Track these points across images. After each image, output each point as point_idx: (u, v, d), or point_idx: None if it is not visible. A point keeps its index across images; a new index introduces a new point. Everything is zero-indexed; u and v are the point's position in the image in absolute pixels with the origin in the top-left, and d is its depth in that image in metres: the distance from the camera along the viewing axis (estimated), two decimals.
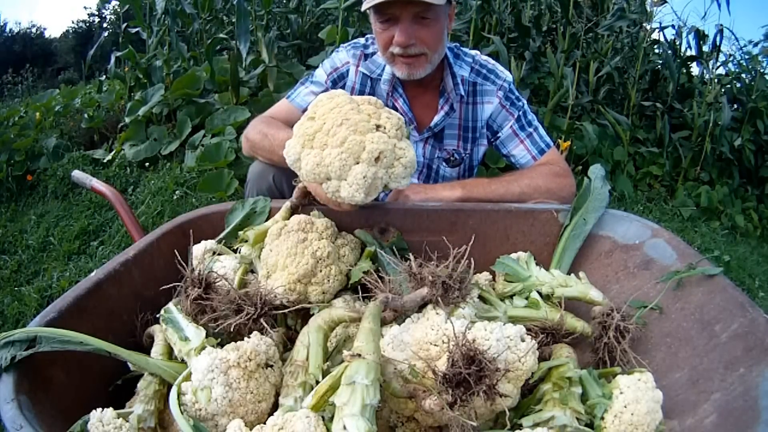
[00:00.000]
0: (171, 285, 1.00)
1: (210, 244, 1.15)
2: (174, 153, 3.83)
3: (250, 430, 0.72)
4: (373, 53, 1.66)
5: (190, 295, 0.91)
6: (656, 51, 4.93)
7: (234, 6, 3.83)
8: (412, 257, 0.90)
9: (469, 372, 0.67)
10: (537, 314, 1.04)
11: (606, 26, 3.98)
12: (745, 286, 3.19)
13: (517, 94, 1.65)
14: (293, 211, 1.17)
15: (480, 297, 1.04)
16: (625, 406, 0.80)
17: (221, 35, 4.41)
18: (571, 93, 3.80)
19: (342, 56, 1.68)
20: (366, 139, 1.02)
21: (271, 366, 0.84)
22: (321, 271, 1.01)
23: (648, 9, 4.66)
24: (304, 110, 1.18)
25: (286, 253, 1.01)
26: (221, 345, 0.84)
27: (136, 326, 1.02)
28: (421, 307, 0.87)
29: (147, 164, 3.88)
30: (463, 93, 1.61)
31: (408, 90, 1.64)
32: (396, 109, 1.64)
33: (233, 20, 4.02)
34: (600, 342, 0.99)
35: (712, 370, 0.86)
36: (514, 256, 1.17)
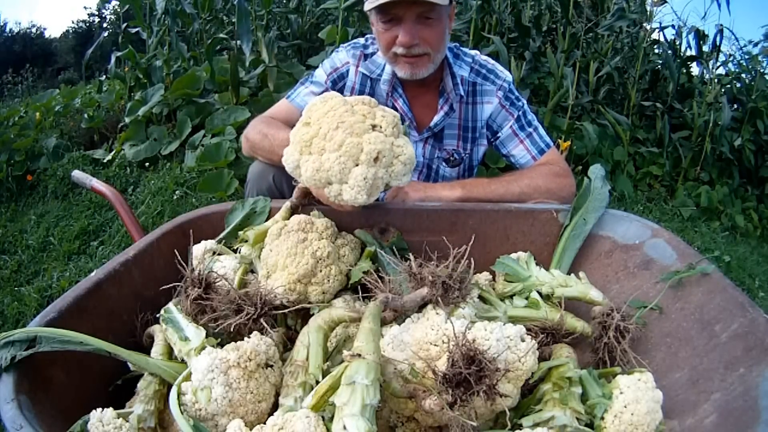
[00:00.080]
0: (171, 285, 1.00)
1: (210, 244, 1.15)
2: (174, 153, 3.83)
3: (250, 430, 0.72)
4: (373, 53, 1.66)
5: (190, 295, 0.91)
6: (656, 51, 4.93)
7: (234, 6, 3.83)
8: (412, 257, 0.90)
9: (469, 372, 0.67)
10: (537, 314, 1.04)
11: (606, 26, 3.98)
12: (745, 286, 3.19)
13: (516, 94, 1.65)
14: (293, 211, 1.17)
15: (480, 297, 1.04)
16: (625, 406, 0.80)
17: (221, 35, 4.41)
18: (571, 93, 3.80)
19: (342, 56, 1.68)
20: (363, 141, 1.02)
21: (271, 366, 0.84)
22: (321, 271, 1.01)
23: (648, 9, 4.66)
24: None
25: (286, 253, 1.01)
26: (221, 345, 0.84)
27: (136, 326, 1.02)
28: (421, 307, 0.87)
29: (147, 164, 3.88)
30: (462, 93, 1.61)
31: (408, 90, 1.64)
32: (396, 109, 1.64)
33: (233, 20, 4.01)
34: (600, 342, 0.99)
35: (712, 370, 0.86)
36: (514, 256, 1.17)
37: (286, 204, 1.17)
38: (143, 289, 1.07)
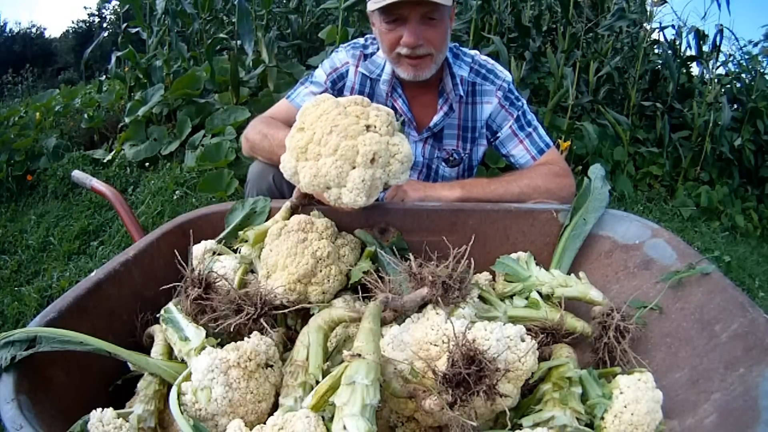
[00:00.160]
0: (171, 285, 1.00)
1: (210, 244, 1.15)
2: (174, 153, 3.83)
3: (250, 430, 0.72)
4: (373, 53, 1.66)
5: (190, 295, 0.91)
6: (656, 51, 4.93)
7: (234, 6, 3.83)
8: (412, 257, 0.90)
9: (469, 372, 0.67)
10: (537, 314, 1.04)
11: (606, 26, 3.98)
12: (745, 286, 3.19)
13: (516, 94, 1.65)
14: (293, 211, 1.17)
15: (480, 297, 1.04)
16: (625, 406, 0.80)
17: (221, 35, 4.41)
18: (571, 93, 3.80)
19: (341, 56, 1.68)
20: (358, 143, 1.02)
21: (271, 366, 0.84)
22: (321, 271, 1.01)
23: (648, 9, 4.66)
24: None
25: (286, 253, 1.01)
26: (221, 345, 0.84)
27: (136, 326, 1.02)
28: (421, 307, 0.87)
29: (147, 164, 3.88)
30: (462, 93, 1.61)
31: (407, 90, 1.64)
32: (395, 110, 1.64)
33: (233, 20, 4.01)
34: (600, 342, 0.99)
35: (712, 370, 0.86)
36: (514, 256, 1.17)
37: (286, 204, 1.17)
38: (143, 289, 1.07)
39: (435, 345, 0.78)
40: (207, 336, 0.88)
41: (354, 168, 1.03)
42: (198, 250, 1.13)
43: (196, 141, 3.71)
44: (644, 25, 4.72)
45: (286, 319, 1.05)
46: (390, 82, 1.61)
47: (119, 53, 4.38)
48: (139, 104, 4.06)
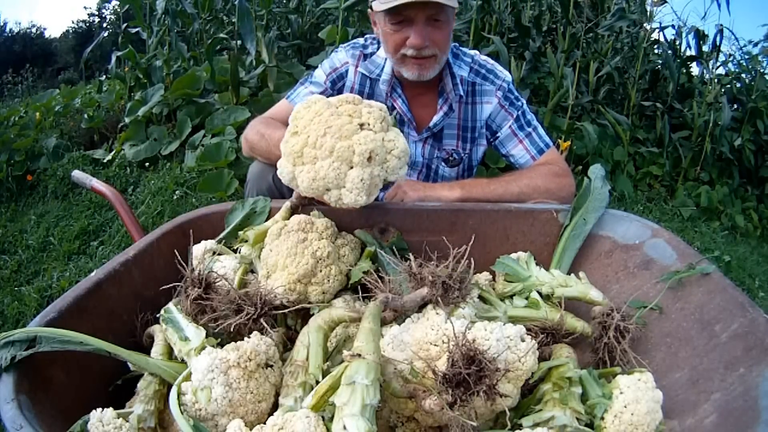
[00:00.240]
0: (171, 285, 1.00)
1: (210, 244, 1.15)
2: (174, 153, 3.83)
3: (250, 430, 0.72)
4: (372, 53, 1.66)
5: (190, 295, 0.91)
6: (656, 51, 4.93)
7: (234, 6, 3.83)
8: (412, 257, 0.90)
9: (469, 372, 0.67)
10: (537, 314, 1.04)
11: (606, 26, 3.98)
12: (745, 286, 3.19)
13: (516, 93, 1.65)
14: (293, 211, 1.17)
15: (480, 297, 1.04)
16: (625, 406, 0.80)
17: (221, 35, 4.41)
18: (571, 93, 3.80)
19: (341, 56, 1.68)
20: (353, 142, 1.02)
21: (271, 366, 0.84)
22: (321, 271, 1.01)
23: (648, 9, 4.66)
24: None
25: (286, 253, 1.01)
26: (221, 345, 0.84)
27: (136, 326, 1.02)
28: (421, 307, 0.87)
29: (147, 164, 3.88)
30: (462, 93, 1.61)
31: (407, 90, 1.64)
32: (395, 110, 1.64)
33: (233, 20, 4.01)
34: (600, 342, 0.99)
35: (712, 370, 0.86)
36: (514, 256, 1.17)
37: (286, 204, 1.17)
38: (143, 289, 1.07)
39: (435, 345, 0.78)
40: (207, 336, 0.88)
41: (352, 168, 1.03)
42: (198, 250, 1.13)
43: (196, 141, 3.71)
44: (644, 25, 4.72)
45: (286, 319, 1.04)
46: (390, 82, 1.62)
47: (119, 53, 4.38)
48: (139, 104, 4.06)
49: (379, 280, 0.90)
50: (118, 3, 4.80)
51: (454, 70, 1.59)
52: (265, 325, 0.89)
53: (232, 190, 3.18)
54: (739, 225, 4.18)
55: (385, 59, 1.62)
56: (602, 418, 0.81)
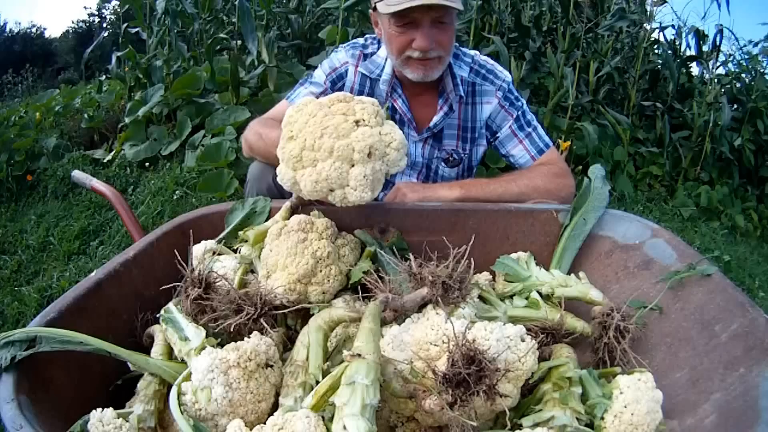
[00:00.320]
0: (171, 285, 1.00)
1: (210, 244, 1.15)
2: (174, 153, 3.83)
3: (250, 430, 0.72)
4: (372, 53, 1.66)
5: (190, 295, 0.91)
6: (656, 51, 4.93)
7: (234, 6, 3.83)
8: (412, 257, 0.90)
9: (469, 372, 0.67)
10: (537, 314, 1.04)
11: (606, 26, 3.98)
12: (745, 286, 3.19)
13: (516, 94, 1.65)
14: (293, 211, 1.17)
15: (480, 297, 1.04)
16: (625, 406, 0.80)
17: (221, 35, 4.41)
18: (571, 93, 3.79)
19: (341, 56, 1.68)
20: (352, 140, 1.02)
21: (271, 366, 0.84)
22: (321, 271, 1.01)
23: (648, 9, 4.66)
24: None
25: (286, 253, 1.01)
26: (221, 345, 0.84)
27: (136, 326, 1.02)
28: (421, 307, 0.87)
29: (147, 164, 3.88)
30: (462, 93, 1.61)
31: (407, 90, 1.64)
32: (395, 110, 1.64)
33: (233, 20, 4.01)
34: (600, 342, 0.99)
35: (712, 370, 0.86)
36: (514, 256, 1.17)
37: (286, 204, 1.17)
38: (143, 289, 1.07)
39: (435, 345, 0.78)
40: (207, 336, 0.88)
41: (353, 166, 1.03)
42: (198, 250, 1.13)
43: (196, 141, 3.71)
44: (644, 25, 4.72)
45: (286, 319, 1.04)
46: (390, 82, 1.61)
47: (119, 53, 4.38)
48: (139, 104, 4.06)
49: (379, 280, 0.90)
50: (118, 3, 4.80)
51: (454, 71, 1.59)
52: (265, 325, 0.89)
53: (232, 190, 3.18)
54: (739, 225, 4.18)
55: (386, 59, 1.62)
56: (602, 418, 0.81)
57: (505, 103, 1.63)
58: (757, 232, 4.32)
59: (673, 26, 4.96)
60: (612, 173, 4.11)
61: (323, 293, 1.01)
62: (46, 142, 4.45)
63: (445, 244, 0.94)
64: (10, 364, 0.75)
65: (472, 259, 0.90)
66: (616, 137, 4.19)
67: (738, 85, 5.03)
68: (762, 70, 5.12)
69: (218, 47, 4.48)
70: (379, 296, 0.84)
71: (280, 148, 1.09)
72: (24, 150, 4.38)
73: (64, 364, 0.84)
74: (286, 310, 0.94)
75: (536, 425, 0.79)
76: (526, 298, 1.08)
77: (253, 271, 1.11)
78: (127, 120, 4.08)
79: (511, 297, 1.09)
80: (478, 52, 1.70)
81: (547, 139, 1.64)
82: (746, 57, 5.24)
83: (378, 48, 1.66)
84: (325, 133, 1.01)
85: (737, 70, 5.19)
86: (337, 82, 1.68)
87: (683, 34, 4.88)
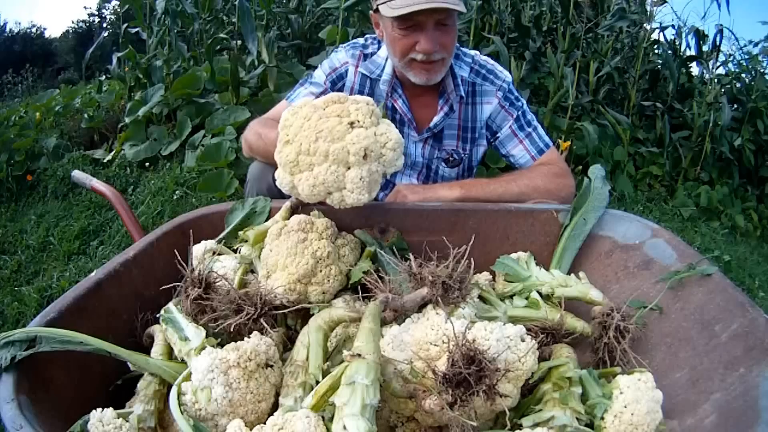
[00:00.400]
0: (171, 285, 1.00)
1: (210, 244, 1.15)
2: (174, 153, 3.83)
3: (250, 430, 0.72)
4: (372, 53, 1.66)
5: (190, 295, 0.91)
6: (656, 51, 4.93)
7: (234, 6, 3.83)
8: (412, 257, 0.90)
9: (469, 372, 0.67)
10: (537, 314, 1.04)
11: (606, 26, 3.98)
12: (745, 286, 3.19)
13: (516, 94, 1.65)
14: (293, 211, 1.17)
15: (480, 297, 1.04)
16: (625, 406, 0.80)
17: (221, 35, 4.41)
18: (571, 93, 3.79)
19: (341, 56, 1.68)
20: (347, 143, 1.01)
21: (271, 366, 0.84)
22: (321, 271, 1.01)
23: (648, 9, 4.66)
24: None
25: (286, 253, 1.01)
26: (221, 345, 0.84)
27: (136, 326, 1.02)
28: (421, 307, 0.87)
29: (147, 164, 3.88)
30: (463, 93, 1.61)
31: (408, 90, 1.64)
32: (395, 110, 1.64)
33: (233, 20, 4.01)
34: (600, 342, 0.99)
35: (712, 370, 0.86)
36: (514, 256, 1.17)
37: (286, 204, 1.17)
38: (143, 289, 1.07)
39: (435, 345, 0.78)
40: (207, 336, 0.88)
41: (349, 168, 1.02)
42: (198, 250, 1.13)
43: (196, 141, 3.71)
44: (644, 25, 4.72)
45: (286, 319, 1.04)
46: (390, 83, 1.61)
47: (120, 53, 4.38)
48: (139, 104, 4.06)
49: (379, 280, 0.90)
50: (118, 3, 4.80)
51: (455, 71, 1.59)
52: (265, 325, 0.89)
53: (232, 190, 3.18)
54: (739, 225, 4.18)
55: (386, 59, 1.62)
56: (602, 418, 0.81)
57: (506, 103, 1.63)
58: (757, 232, 4.32)
59: (673, 26, 4.97)
60: (612, 173, 4.11)
61: (323, 293, 1.01)
62: (46, 142, 4.45)
63: (445, 244, 0.94)
64: (10, 364, 0.75)
65: (472, 259, 0.90)
66: (616, 137, 4.19)
67: (738, 85, 5.03)
68: (762, 70, 5.12)
69: (218, 47, 4.48)
70: (379, 296, 0.84)
71: (277, 152, 1.09)
72: (24, 150, 4.38)
73: (64, 364, 0.84)
74: (286, 310, 0.94)
75: (536, 425, 0.79)
76: (526, 298, 1.08)
77: (253, 271, 1.11)
78: (127, 120, 4.08)
79: (511, 297, 1.09)
80: (478, 53, 1.70)
81: (547, 139, 1.64)
82: (746, 57, 5.24)
83: (378, 48, 1.66)
84: (320, 137, 1.01)
85: (737, 70, 5.19)
86: (337, 83, 1.68)
87: (683, 34, 4.89)
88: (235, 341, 0.84)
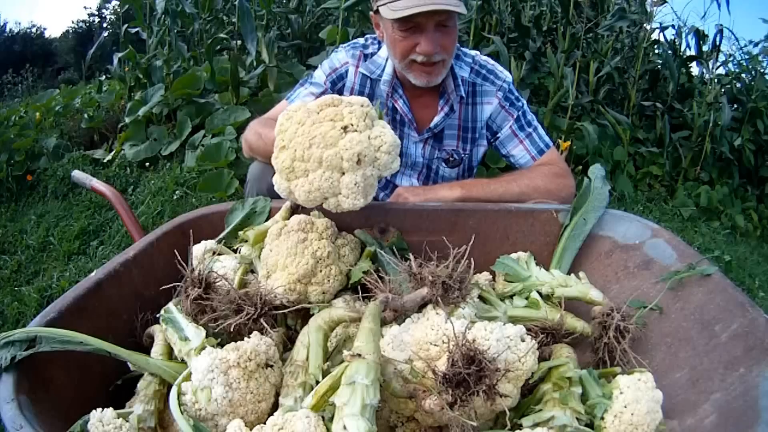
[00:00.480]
0: (171, 285, 1.00)
1: (210, 244, 1.15)
2: (174, 153, 3.83)
3: (250, 430, 0.72)
4: (373, 53, 1.66)
5: (190, 295, 0.91)
6: (656, 51, 4.93)
7: (234, 6, 3.83)
8: (412, 257, 0.90)
9: (469, 372, 0.67)
10: (537, 314, 1.04)
11: (606, 26, 3.98)
12: (745, 286, 3.19)
13: (516, 94, 1.65)
14: (293, 211, 1.17)
15: (480, 297, 1.04)
16: (625, 406, 0.80)
17: (221, 35, 4.42)
18: (571, 93, 3.79)
19: (341, 57, 1.68)
20: (340, 149, 1.01)
21: (271, 366, 0.84)
22: (321, 271, 1.01)
23: (648, 9, 4.66)
24: None
25: (286, 253, 1.01)
26: (221, 345, 0.84)
27: (136, 326, 1.02)
28: (421, 307, 0.87)
29: (147, 164, 3.88)
30: (463, 94, 1.61)
31: (408, 91, 1.64)
32: (396, 110, 1.64)
33: (233, 20, 4.01)
34: (600, 342, 0.99)
35: (712, 370, 0.86)
36: (514, 256, 1.17)
37: (286, 204, 1.17)
38: (143, 289, 1.07)
39: (435, 345, 0.78)
40: (207, 336, 0.88)
41: (344, 174, 1.02)
42: (198, 250, 1.13)
43: (196, 141, 3.71)
44: (644, 25, 4.72)
45: (286, 319, 1.04)
46: (391, 83, 1.61)
47: (120, 54, 4.38)
48: (139, 104, 4.06)
49: (379, 280, 0.90)
50: (118, 3, 4.80)
51: (455, 71, 1.59)
52: (265, 325, 0.89)
53: (232, 190, 3.18)
54: (739, 225, 4.18)
55: (386, 59, 1.62)
56: (602, 418, 0.81)
57: (506, 104, 1.63)
58: (757, 232, 4.32)
59: (673, 26, 4.97)
60: (612, 173, 4.11)
61: (323, 293, 1.01)
62: (46, 142, 4.45)
63: (445, 244, 0.94)
64: (10, 364, 0.75)
65: (472, 259, 0.90)
66: (616, 137, 4.19)
67: (738, 85, 5.03)
68: (762, 70, 5.12)
69: (218, 47, 4.49)
70: (379, 296, 0.84)
71: (274, 157, 1.09)
72: (24, 150, 4.38)
73: (64, 364, 0.84)
74: (286, 310, 0.94)
75: (536, 425, 0.79)
76: (526, 298, 1.08)
77: (253, 271, 1.11)
78: (127, 120, 4.08)
79: (511, 297, 1.09)
80: (478, 53, 1.70)
81: (547, 139, 1.64)
82: (746, 57, 5.24)
83: (378, 48, 1.66)
84: (313, 143, 1.01)
85: (737, 70, 5.19)
86: (337, 83, 1.68)
87: (683, 34, 4.89)
88: (235, 341, 0.84)
